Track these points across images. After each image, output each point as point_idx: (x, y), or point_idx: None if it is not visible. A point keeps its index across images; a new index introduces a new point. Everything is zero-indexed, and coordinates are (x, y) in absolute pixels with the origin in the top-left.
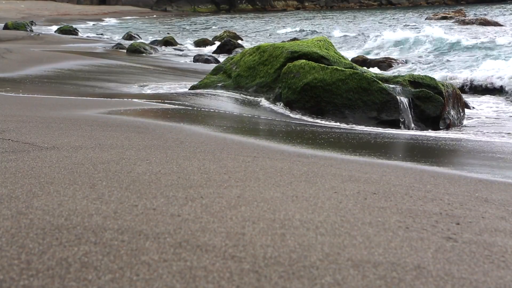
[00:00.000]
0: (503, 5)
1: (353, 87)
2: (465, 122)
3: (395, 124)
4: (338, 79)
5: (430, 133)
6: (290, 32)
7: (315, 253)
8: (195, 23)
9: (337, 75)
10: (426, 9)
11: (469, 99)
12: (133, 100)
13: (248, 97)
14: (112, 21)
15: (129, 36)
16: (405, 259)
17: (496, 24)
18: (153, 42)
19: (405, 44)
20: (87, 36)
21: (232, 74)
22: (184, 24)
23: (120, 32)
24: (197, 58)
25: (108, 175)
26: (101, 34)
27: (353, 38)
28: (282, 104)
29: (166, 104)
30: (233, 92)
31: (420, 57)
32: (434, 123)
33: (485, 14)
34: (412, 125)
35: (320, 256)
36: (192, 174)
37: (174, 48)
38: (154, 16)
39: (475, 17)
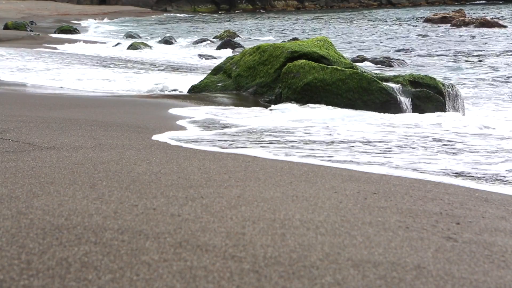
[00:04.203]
0: (503, 5)
1: (353, 87)
2: None
3: None
4: (338, 79)
5: None
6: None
7: (315, 253)
8: (195, 22)
9: (337, 75)
10: (426, 9)
11: None
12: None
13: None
14: (112, 21)
15: (129, 36)
16: (405, 259)
17: (496, 24)
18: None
19: None
20: (87, 36)
21: (232, 74)
22: (184, 24)
23: (120, 32)
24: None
25: (108, 175)
26: (101, 34)
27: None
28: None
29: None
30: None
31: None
32: None
33: (485, 14)
34: None
35: (320, 256)
36: (192, 174)
37: (173, 47)
38: (154, 16)
39: (475, 18)
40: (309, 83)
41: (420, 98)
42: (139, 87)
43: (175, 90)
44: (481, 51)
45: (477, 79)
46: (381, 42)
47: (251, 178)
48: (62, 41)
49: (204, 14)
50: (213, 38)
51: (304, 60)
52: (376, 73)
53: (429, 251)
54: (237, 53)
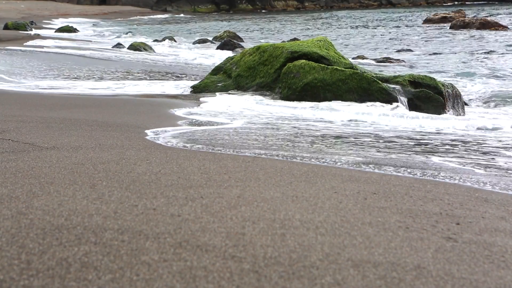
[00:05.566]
0: (503, 6)
1: (353, 87)
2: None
3: None
4: (338, 79)
5: None
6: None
7: (315, 253)
8: (195, 23)
9: (337, 75)
10: (426, 9)
11: None
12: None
13: None
14: (112, 21)
15: (129, 36)
16: (405, 259)
17: (497, 25)
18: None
19: None
20: (87, 36)
21: (232, 74)
22: (184, 24)
23: (120, 32)
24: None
25: (108, 175)
26: (102, 34)
27: None
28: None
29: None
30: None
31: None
32: None
33: (486, 15)
34: None
35: (320, 256)
36: (192, 174)
37: (173, 48)
38: (154, 16)
39: (475, 18)
40: (309, 83)
41: (420, 98)
42: None
43: None
44: (481, 51)
45: (476, 78)
46: (381, 42)
47: (251, 178)
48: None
49: (204, 14)
50: (213, 38)
51: (304, 60)
52: (376, 73)
53: (429, 251)
54: (237, 53)
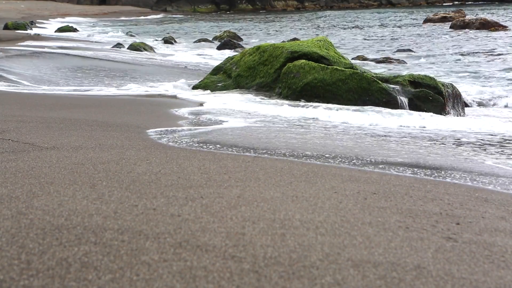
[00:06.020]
0: (503, 5)
1: (353, 87)
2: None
3: None
4: (338, 79)
5: None
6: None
7: (315, 253)
8: (195, 22)
9: (337, 75)
10: (426, 9)
11: None
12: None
13: None
14: (112, 21)
15: (129, 36)
16: (405, 259)
17: (496, 24)
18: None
19: None
20: (87, 36)
21: (232, 74)
22: (183, 24)
23: (120, 32)
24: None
25: (108, 175)
26: (100, 34)
27: None
28: None
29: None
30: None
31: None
32: None
33: (486, 15)
34: None
35: (320, 256)
36: (192, 174)
37: (173, 47)
38: (154, 16)
39: (475, 18)
40: (309, 83)
41: (420, 98)
42: None
43: None
44: (481, 51)
45: (476, 78)
46: (381, 42)
47: (251, 178)
48: (65, 42)
49: (204, 14)
50: (213, 38)
51: (304, 60)
52: (376, 73)
53: (429, 251)
54: (237, 53)
